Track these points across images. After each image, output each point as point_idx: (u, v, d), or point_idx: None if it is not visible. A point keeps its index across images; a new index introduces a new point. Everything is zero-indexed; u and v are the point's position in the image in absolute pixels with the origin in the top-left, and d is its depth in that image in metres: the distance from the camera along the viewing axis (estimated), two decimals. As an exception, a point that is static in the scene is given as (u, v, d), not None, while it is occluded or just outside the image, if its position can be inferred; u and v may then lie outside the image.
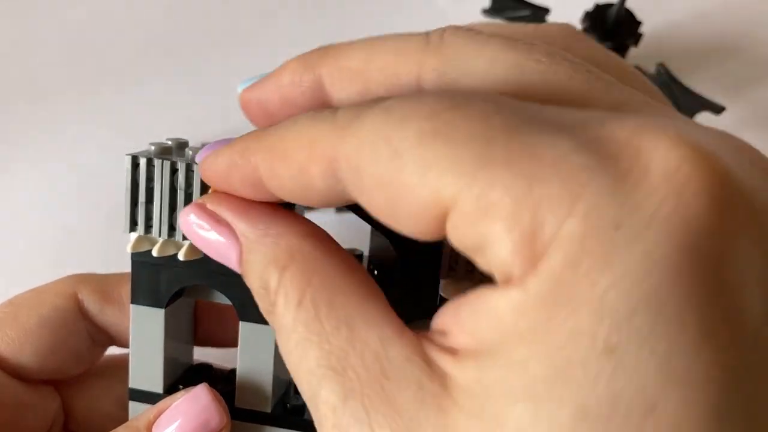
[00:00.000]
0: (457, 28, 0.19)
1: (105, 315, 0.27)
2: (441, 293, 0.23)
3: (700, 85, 0.39)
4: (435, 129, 0.15)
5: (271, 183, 0.19)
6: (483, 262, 0.15)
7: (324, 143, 0.17)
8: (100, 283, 0.27)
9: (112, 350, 0.29)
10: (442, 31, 0.19)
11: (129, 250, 0.24)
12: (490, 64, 0.18)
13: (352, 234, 0.25)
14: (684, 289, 0.13)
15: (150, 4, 0.47)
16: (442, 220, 0.15)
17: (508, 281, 0.14)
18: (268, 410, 0.25)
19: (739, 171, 0.14)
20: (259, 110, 0.22)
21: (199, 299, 0.27)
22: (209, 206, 0.20)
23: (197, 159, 0.22)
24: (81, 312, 0.27)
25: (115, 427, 0.25)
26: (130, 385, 0.26)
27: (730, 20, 0.45)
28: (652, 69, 0.39)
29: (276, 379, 0.25)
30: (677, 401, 0.13)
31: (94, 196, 0.34)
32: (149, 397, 0.26)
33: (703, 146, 0.14)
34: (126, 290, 0.26)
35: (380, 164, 0.15)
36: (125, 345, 0.27)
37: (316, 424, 0.17)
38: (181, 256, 0.24)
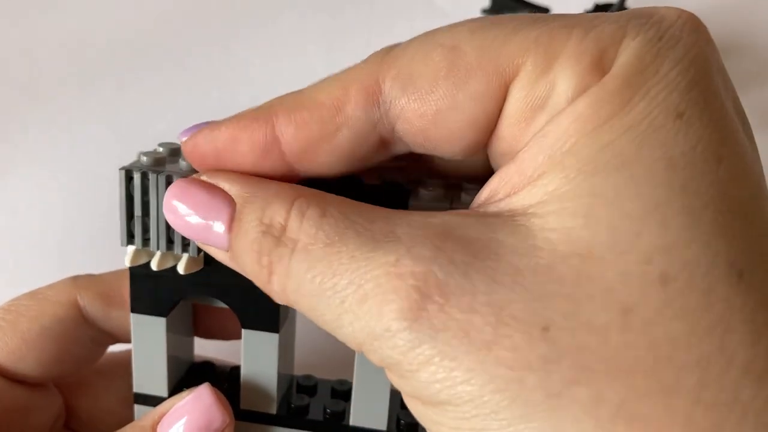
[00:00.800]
0: None
1: (111, 319, 0.27)
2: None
3: None
4: (482, 22, 0.18)
5: (292, 141, 0.19)
6: (552, 105, 0.17)
7: (362, 76, 0.18)
8: (100, 285, 0.27)
9: (112, 348, 0.29)
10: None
11: (127, 264, 0.24)
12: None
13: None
14: (713, 74, 0.17)
15: (150, 4, 0.46)
16: (504, 90, 0.17)
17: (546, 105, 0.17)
18: (273, 411, 0.26)
19: None
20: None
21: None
22: (202, 177, 0.20)
23: (181, 138, 0.22)
24: (84, 319, 0.27)
25: (117, 425, 0.25)
26: (134, 390, 0.26)
27: (730, 20, 0.46)
28: None
29: (280, 381, 0.26)
30: (736, 154, 0.16)
31: (94, 196, 0.34)
32: (154, 401, 0.26)
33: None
34: (127, 289, 0.26)
35: (435, 61, 0.18)
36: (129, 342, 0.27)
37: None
38: (181, 270, 0.24)
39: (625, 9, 0.38)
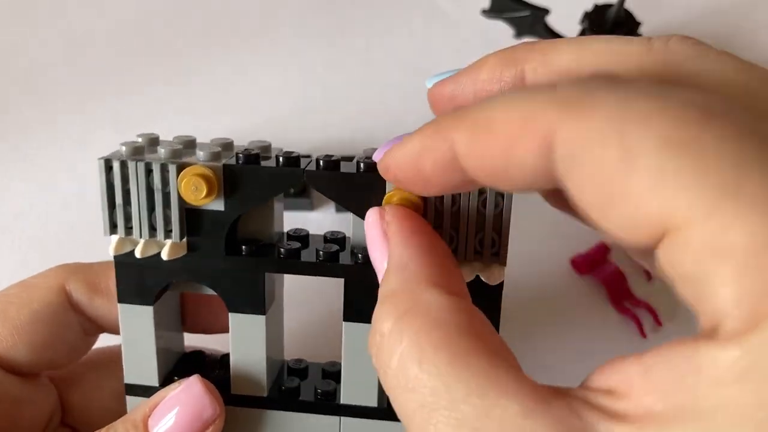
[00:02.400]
0: (684, 38, 0.18)
1: (94, 307, 0.27)
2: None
3: None
4: (681, 140, 0.13)
5: (469, 161, 0.17)
6: (690, 295, 0.14)
7: (541, 117, 0.15)
8: (88, 274, 0.27)
9: (107, 342, 0.29)
10: (667, 38, 0.18)
11: (111, 252, 0.24)
12: (720, 75, 0.17)
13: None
14: None
15: (150, 4, 0.46)
16: (660, 235, 0.14)
17: (718, 333, 0.13)
18: (265, 394, 0.26)
19: None
20: (451, 106, 0.21)
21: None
22: (387, 216, 0.21)
23: (375, 158, 0.22)
24: (71, 304, 0.27)
25: (112, 419, 0.25)
26: (125, 381, 0.26)
27: (730, 20, 0.45)
28: None
29: (270, 363, 0.26)
30: None
31: (94, 196, 0.34)
32: (146, 391, 0.26)
33: None
34: (113, 280, 0.26)
35: (606, 159, 0.14)
36: (117, 332, 0.28)
37: None
38: (164, 256, 0.24)
39: (624, 9, 0.38)
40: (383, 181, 0.22)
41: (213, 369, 0.27)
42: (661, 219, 0.14)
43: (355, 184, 0.23)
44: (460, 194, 0.22)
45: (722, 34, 0.45)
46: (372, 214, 0.21)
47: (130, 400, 0.26)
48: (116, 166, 0.23)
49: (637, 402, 0.14)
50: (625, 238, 0.15)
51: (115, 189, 0.23)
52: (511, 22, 0.40)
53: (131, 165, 0.23)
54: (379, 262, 0.20)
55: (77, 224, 0.39)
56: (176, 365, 0.28)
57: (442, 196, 0.22)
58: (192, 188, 0.23)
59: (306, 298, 0.32)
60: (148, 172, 0.23)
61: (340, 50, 0.44)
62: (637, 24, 0.39)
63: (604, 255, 0.38)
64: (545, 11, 0.39)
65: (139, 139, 0.25)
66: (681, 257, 0.14)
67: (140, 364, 0.26)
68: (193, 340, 0.29)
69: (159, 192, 0.23)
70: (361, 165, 0.23)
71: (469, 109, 0.17)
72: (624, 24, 0.38)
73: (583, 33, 0.39)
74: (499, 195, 0.22)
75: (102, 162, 0.23)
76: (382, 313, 0.18)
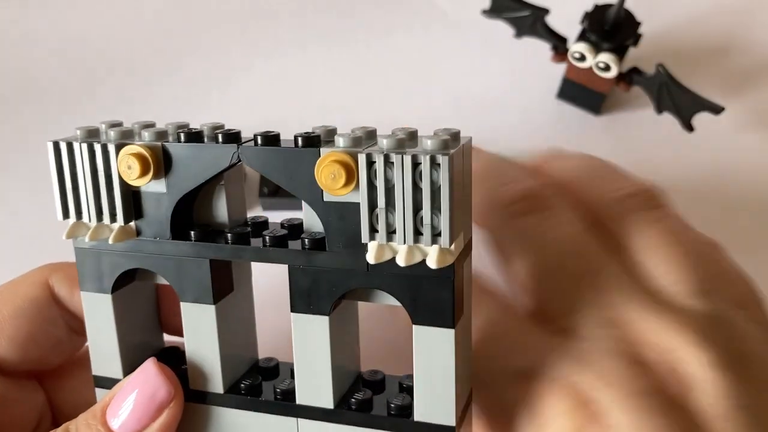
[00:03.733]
0: None
1: (74, 299, 0.27)
2: (368, 260, 0.21)
3: (699, 85, 0.38)
4: None
5: None
6: None
7: None
8: (71, 268, 0.27)
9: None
10: None
11: (64, 237, 0.24)
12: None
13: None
14: None
15: (150, 4, 0.47)
16: None
17: None
18: (221, 390, 0.24)
19: None
20: None
21: (160, 285, 0.27)
22: None
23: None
24: (54, 299, 0.27)
25: None
26: (93, 372, 0.26)
27: (729, 20, 0.43)
28: (651, 69, 0.37)
29: (226, 359, 0.24)
30: None
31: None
32: (111, 383, 0.25)
33: None
34: None
35: None
36: None
37: None
38: (110, 240, 0.23)
39: (624, 9, 0.36)
40: (315, 155, 0.21)
41: (182, 363, 0.26)
42: None
43: (291, 162, 0.21)
44: (393, 168, 0.20)
45: (722, 33, 0.43)
46: None
47: (99, 393, 0.26)
48: (63, 147, 0.23)
49: None
50: None
51: (65, 172, 0.23)
52: (511, 22, 0.39)
53: (76, 147, 0.23)
54: None
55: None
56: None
57: (375, 176, 0.20)
58: (125, 168, 0.22)
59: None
60: (92, 153, 0.23)
61: (340, 50, 0.44)
62: (637, 24, 0.37)
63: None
64: (545, 11, 0.38)
65: (102, 126, 0.24)
66: None
67: (104, 355, 0.25)
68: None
69: (102, 174, 0.23)
70: (299, 140, 0.21)
71: None
72: (624, 24, 0.37)
73: (583, 33, 0.38)
74: (435, 166, 0.19)
75: (51, 144, 0.23)
76: None
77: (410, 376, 0.25)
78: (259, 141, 0.22)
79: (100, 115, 0.42)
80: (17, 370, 0.27)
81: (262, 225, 0.24)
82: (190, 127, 0.23)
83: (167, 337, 0.28)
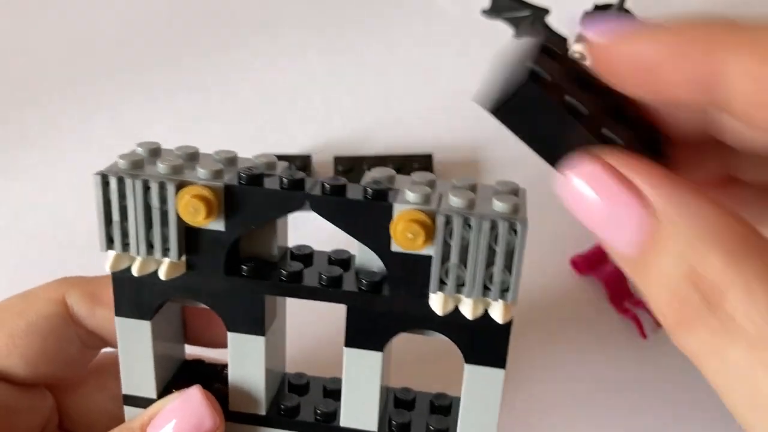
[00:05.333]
0: None
1: (95, 317, 0.26)
2: (432, 307, 0.22)
3: None
4: None
5: (745, 94, 0.15)
6: None
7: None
8: (89, 285, 0.27)
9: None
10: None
11: (108, 269, 0.24)
12: None
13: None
14: None
15: (151, 5, 0.45)
16: None
17: None
18: (263, 412, 0.25)
19: None
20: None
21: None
22: (612, 162, 0.17)
23: (589, 33, 0.18)
24: (70, 317, 0.26)
25: (109, 424, 0.25)
26: (123, 392, 0.26)
27: None
28: None
29: (269, 382, 0.25)
30: None
31: (94, 197, 0.33)
32: (143, 402, 0.26)
33: None
34: None
35: None
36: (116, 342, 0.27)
37: None
38: (162, 275, 0.23)
39: (624, 9, 0.38)
40: (389, 209, 0.21)
41: (212, 380, 0.27)
42: None
43: (359, 211, 0.22)
44: (470, 227, 0.21)
45: None
46: (586, 162, 0.17)
47: (128, 411, 0.26)
48: (113, 182, 0.22)
49: None
50: None
51: (112, 205, 0.23)
52: (511, 22, 0.40)
53: (128, 182, 0.22)
54: (627, 218, 0.16)
55: (77, 225, 0.38)
56: (175, 374, 0.27)
57: (451, 235, 0.21)
58: (190, 209, 0.22)
59: (312, 309, 0.31)
60: (146, 189, 0.22)
61: (339, 51, 0.44)
62: None
63: (603, 255, 0.38)
64: (545, 11, 0.39)
65: (139, 149, 0.24)
66: None
67: (138, 376, 0.25)
68: (196, 349, 0.29)
69: (157, 210, 0.22)
70: (368, 191, 0.22)
71: (746, 27, 0.16)
72: None
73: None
74: (512, 231, 0.21)
75: (98, 177, 0.22)
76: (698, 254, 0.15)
77: (441, 395, 0.27)
78: (327, 189, 0.22)
79: (100, 116, 0.40)
80: (27, 383, 0.27)
81: (309, 257, 0.25)
82: (249, 166, 0.23)
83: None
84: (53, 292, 0.26)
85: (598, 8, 0.39)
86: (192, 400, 0.24)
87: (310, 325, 0.32)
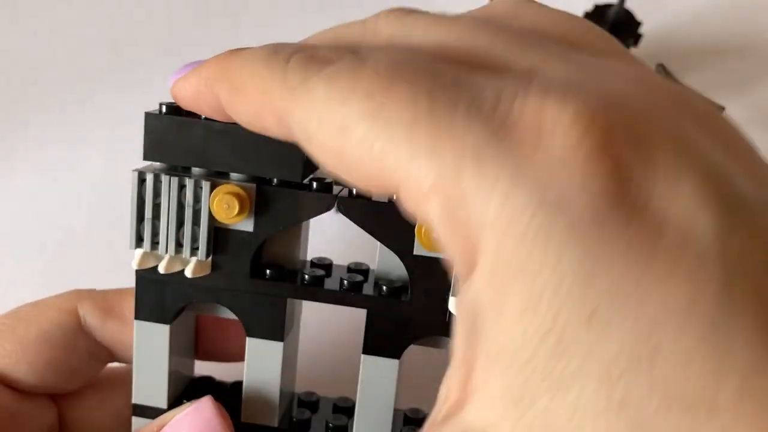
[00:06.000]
0: (390, 11, 0.19)
1: (105, 330, 0.26)
2: (451, 310, 0.23)
3: (700, 85, 0.39)
4: (371, 110, 0.15)
5: (233, 115, 0.19)
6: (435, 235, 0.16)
7: (276, 99, 0.17)
8: (101, 298, 0.27)
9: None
10: (377, 16, 0.20)
11: (135, 266, 0.24)
12: (420, 39, 0.18)
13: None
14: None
15: (151, 4, 0.47)
16: (395, 190, 0.16)
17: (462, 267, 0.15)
18: (275, 424, 0.25)
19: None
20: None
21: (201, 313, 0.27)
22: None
23: (170, 79, 0.23)
24: (81, 328, 0.26)
25: None
26: (133, 401, 0.26)
27: (729, 20, 0.45)
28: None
29: (282, 393, 0.25)
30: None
31: (96, 198, 0.33)
32: (153, 413, 0.25)
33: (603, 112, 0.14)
34: (128, 305, 0.26)
35: (328, 136, 0.16)
36: (125, 360, 0.27)
37: None
38: (188, 273, 0.24)
39: (624, 9, 0.39)
40: None
41: (223, 396, 0.27)
42: (384, 177, 0.15)
43: (386, 214, 0.23)
44: None
45: (722, 33, 0.44)
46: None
47: (136, 421, 0.26)
48: (149, 179, 0.23)
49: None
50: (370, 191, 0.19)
51: (146, 202, 0.23)
52: None
53: (164, 179, 0.23)
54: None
55: (77, 225, 0.38)
56: (185, 390, 0.27)
57: None
58: (224, 206, 0.23)
59: (320, 330, 0.31)
60: (181, 187, 0.23)
61: None
62: (637, 24, 0.39)
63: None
64: None
65: None
66: (409, 207, 0.16)
67: (151, 384, 0.25)
68: (201, 368, 0.29)
69: (189, 208, 0.23)
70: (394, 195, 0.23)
71: (230, 60, 0.19)
72: (624, 24, 0.38)
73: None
74: None
75: (135, 174, 0.23)
76: None
77: None
78: (354, 192, 0.23)
79: (100, 116, 0.41)
80: (32, 391, 0.26)
81: (329, 267, 0.25)
82: None
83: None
84: (65, 302, 0.27)
85: (598, 8, 0.39)
86: (203, 410, 0.24)
87: (321, 343, 0.32)
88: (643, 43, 0.39)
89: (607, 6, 0.39)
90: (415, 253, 0.23)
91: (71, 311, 0.26)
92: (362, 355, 0.24)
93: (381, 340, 0.24)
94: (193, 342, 0.28)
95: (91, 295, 0.27)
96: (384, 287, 0.24)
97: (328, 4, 0.47)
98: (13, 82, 0.43)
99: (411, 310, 0.23)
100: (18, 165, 0.41)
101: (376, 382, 0.24)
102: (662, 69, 0.38)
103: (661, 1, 0.45)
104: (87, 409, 0.28)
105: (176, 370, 0.26)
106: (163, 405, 0.25)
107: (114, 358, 0.28)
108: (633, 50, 0.40)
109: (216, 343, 0.28)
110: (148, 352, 0.25)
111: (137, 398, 0.26)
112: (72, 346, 0.26)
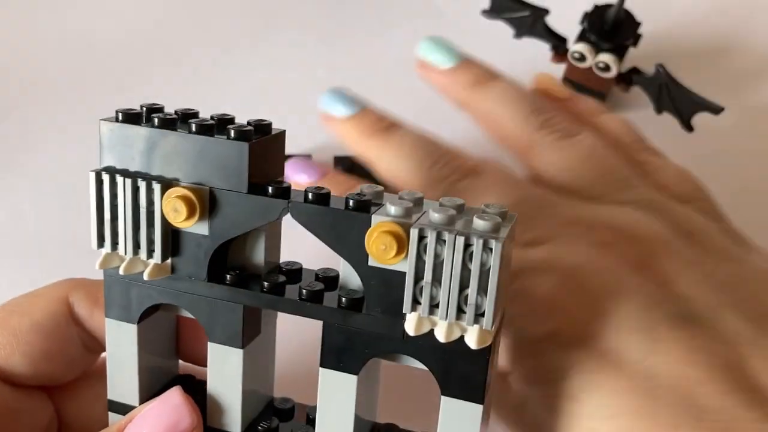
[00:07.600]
0: None
1: (93, 319, 0.27)
2: (405, 328, 0.21)
3: (699, 85, 0.38)
4: None
5: None
6: None
7: None
8: (92, 287, 0.27)
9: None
10: None
11: (97, 267, 0.24)
12: None
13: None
14: None
15: (150, 5, 0.47)
16: None
17: None
18: (239, 430, 0.25)
19: None
20: None
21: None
22: None
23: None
24: (72, 317, 0.27)
25: None
26: (108, 397, 0.26)
27: (729, 20, 0.44)
28: (651, 69, 0.38)
29: (246, 400, 0.25)
30: None
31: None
32: (126, 409, 0.25)
33: None
34: None
35: None
36: None
37: None
38: (145, 276, 0.23)
39: (624, 9, 0.37)
40: (368, 221, 0.21)
41: (199, 393, 0.26)
42: None
43: (341, 221, 0.21)
44: (444, 245, 0.20)
45: (722, 33, 0.44)
46: None
47: (112, 417, 0.26)
48: (106, 180, 0.23)
49: None
50: None
51: (104, 203, 0.23)
52: (511, 22, 0.39)
53: (119, 180, 0.23)
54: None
55: (77, 225, 0.38)
56: (163, 388, 0.27)
57: (425, 250, 0.20)
58: (172, 209, 0.22)
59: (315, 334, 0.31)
60: (135, 189, 0.23)
61: (339, 50, 0.44)
62: (637, 24, 0.38)
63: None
64: (545, 11, 0.38)
65: None
66: None
67: (122, 381, 0.25)
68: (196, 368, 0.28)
69: (144, 210, 0.23)
70: (350, 202, 0.21)
71: None
72: (624, 24, 0.38)
73: (582, 33, 0.38)
74: (487, 249, 0.20)
75: (93, 175, 0.23)
76: None
77: None
78: (310, 198, 0.22)
79: (100, 116, 0.42)
80: (27, 384, 0.27)
81: (296, 273, 0.24)
82: None
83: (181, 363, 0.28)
84: (58, 290, 0.27)
85: (598, 8, 0.38)
86: (170, 400, 0.24)
87: (308, 349, 0.31)
88: (642, 43, 0.38)
89: (607, 6, 0.38)
90: (369, 264, 0.21)
91: (63, 300, 0.27)
92: (320, 369, 0.23)
93: (337, 354, 0.22)
94: (175, 342, 0.27)
95: (83, 283, 0.27)
96: (344, 298, 0.22)
97: (329, 3, 0.46)
98: (13, 82, 0.44)
99: (367, 324, 0.22)
100: (18, 165, 0.41)
101: (335, 397, 0.23)
102: (661, 69, 0.37)
103: (661, 1, 0.44)
104: (82, 403, 0.28)
105: (150, 368, 0.26)
106: (135, 402, 0.25)
107: (103, 347, 0.28)
108: (632, 51, 0.39)
109: (192, 346, 0.27)
110: (118, 350, 0.25)
111: (111, 394, 0.26)
112: (65, 335, 0.27)
